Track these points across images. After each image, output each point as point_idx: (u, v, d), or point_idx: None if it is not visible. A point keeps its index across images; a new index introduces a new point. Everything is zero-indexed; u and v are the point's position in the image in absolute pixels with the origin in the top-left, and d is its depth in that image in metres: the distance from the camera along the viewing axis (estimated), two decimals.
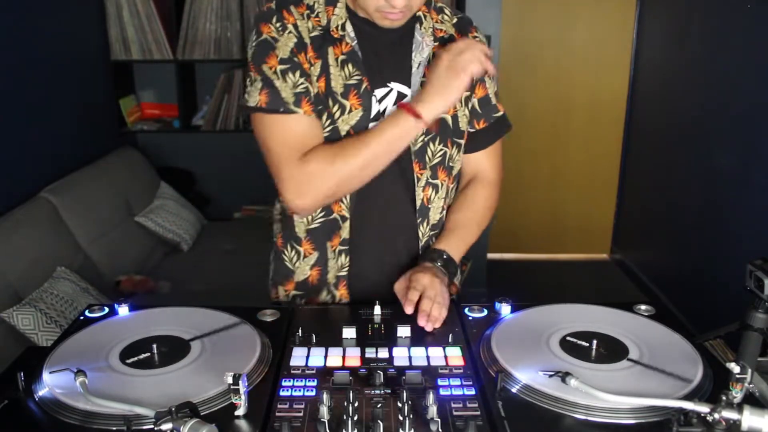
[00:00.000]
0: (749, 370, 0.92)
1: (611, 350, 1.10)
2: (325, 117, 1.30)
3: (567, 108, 4.07)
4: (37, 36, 2.80)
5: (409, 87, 1.33)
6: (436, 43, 1.35)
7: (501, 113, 1.46)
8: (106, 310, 1.26)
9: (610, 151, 4.13)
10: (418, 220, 1.39)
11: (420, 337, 1.16)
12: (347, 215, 1.36)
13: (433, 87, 1.23)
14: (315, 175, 1.24)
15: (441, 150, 1.38)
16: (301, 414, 0.94)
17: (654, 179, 3.73)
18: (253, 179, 4.01)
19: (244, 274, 3.11)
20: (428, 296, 1.24)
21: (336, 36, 1.29)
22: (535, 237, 4.29)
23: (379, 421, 0.90)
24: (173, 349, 1.09)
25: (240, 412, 0.93)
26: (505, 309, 1.25)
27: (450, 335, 1.16)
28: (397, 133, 1.24)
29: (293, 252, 1.43)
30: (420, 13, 1.35)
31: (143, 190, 3.39)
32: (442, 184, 1.40)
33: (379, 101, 1.32)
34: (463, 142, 1.42)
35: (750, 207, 2.71)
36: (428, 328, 1.20)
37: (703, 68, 3.17)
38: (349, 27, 1.30)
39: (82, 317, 1.24)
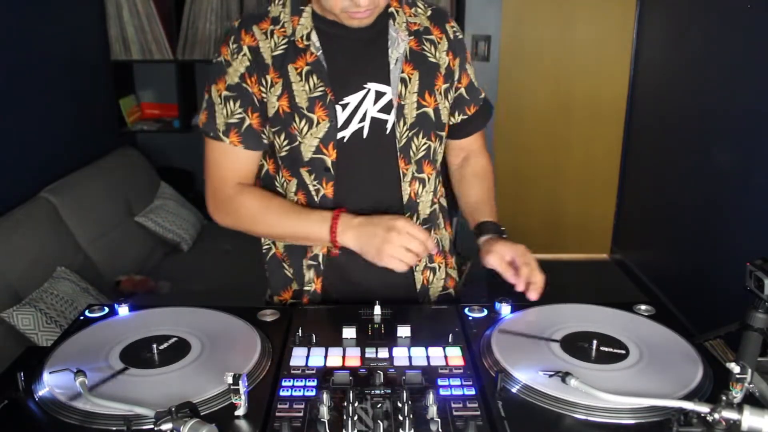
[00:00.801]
0: (749, 370, 0.92)
1: (611, 350, 1.10)
2: (283, 137, 1.33)
3: (567, 108, 4.07)
4: (37, 36, 2.80)
5: (388, 85, 1.33)
6: (411, 37, 1.36)
7: (483, 95, 1.52)
8: (106, 310, 1.26)
9: (610, 151, 4.13)
10: (407, 215, 1.39)
11: (420, 337, 1.16)
12: None
13: (362, 232, 1.26)
14: (233, 210, 1.41)
15: (425, 144, 1.39)
16: (301, 414, 0.94)
17: (654, 179, 3.73)
18: None
19: (244, 274, 3.11)
20: (526, 263, 1.28)
21: (301, 46, 1.30)
22: (535, 237, 4.29)
23: (379, 421, 0.90)
24: (173, 349, 1.09)
25: (240, 412, 0.93)
26: (505, 309, 1.25)
27: (450, 335, 1.16)
28: (313, 236, 1.32)
29: (290, 262, 1.45)
30: (392, 9, 1.35)
31: (143, 190, 3.39)
32: (429, 178, 1.41)
33: (358, 106, 1.32)
34: (444, 133, 1.44)
35: (750, 207, 2.71)
36: (534, 297, 1.24)
37: (703, 68, 3.17)
38: (314, 37, 1.31)
39: (82, 317, 1.24)
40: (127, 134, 3.74)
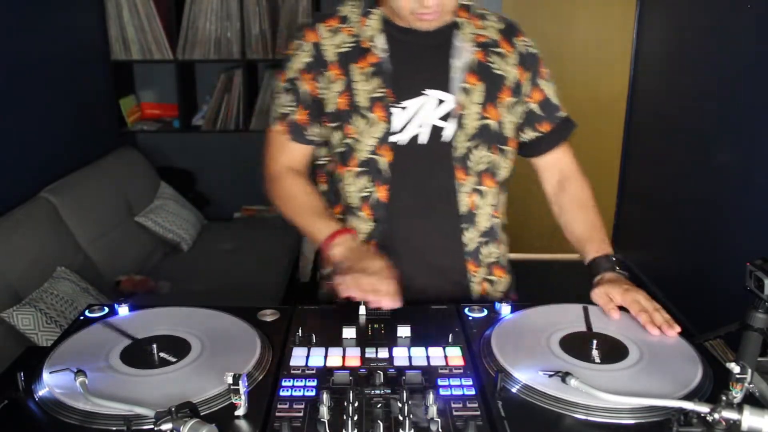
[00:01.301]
0: (749, 370, 0.92)
1: (611, 351, 1.10)
2: (340, 133, 1.36)
3: (567, 108, 4.06)
4: (37, 36, 2.80)
5: (448, 92, 1.34)
6: (478, 49, 1.36)
7: (565, 114, 1.48)
8: (106, 310, 1.26)
9: (610, 151, 4.13)
10: (463, 226, 1.39)
11: (420, 337, 1.16)
12: (360, 237, 1.39)
13: (352, 254, 1.27)
14: (275, 189, 1.44)
15: (486, 156, 1.38)
16: (301, 414, 0.94)
17: (654, 179, 3.73)
18: (253, 179, 4.00)
19: (244, 274, 3.12)
20: (644, 310, 1.20)
21: (366, 46, 1.33)
22: (535, 237, 4.29)
23: (379, 421, 0.90)
24: (173, 349, 1.09)
25: (240, 412, 0.93)
26: (505, 309, 1.25)
27: (450, 335, 1.16)
28: (311, 234, 1.37)
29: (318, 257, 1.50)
30: (459, 20, 1.35)
31: (143, 190, 3.39)
32: (489, 191, 1.40)
33: (417, 111, 1.33)
34: (508, 148, 1.42)
35: (750, 207, 2.71)
36: (671, 333, 1.16)
37: (703, 68, 3.17)
38: (380, 39, 1.33)
39: (82, 317, 1.24)
40: (127, 134, 3.74)
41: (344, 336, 1.16)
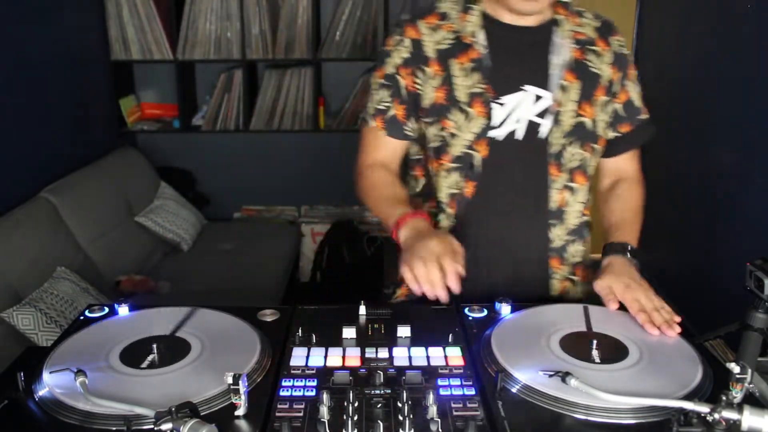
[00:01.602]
0: (749, 370, 0.92)
1: (611, 351, 1.10)
2: (437, 128, 1.38)
3: None
4: (37, 36, 2.80)
5: (546, 89, 1.35)
6: (576, 46, 1.37)
7: (646, 117, 1.47)
8: (106, 310, 1.26)
9: None
10: (551, 222, 1.39)
11: (420, 337, 1.16)
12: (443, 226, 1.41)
13: (417, 238, 1.24)
14: (360, 183, 1.47)
15: (579, 154, 1.38)
16: (301, 414, 0.94)
17: (654, 179, 3.71)
18: (253, 179, 4.03)
19: (244, 274, 3.12)
20: (642, 309, 1.20)
21: (467, 42, 1.35)
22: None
23: (379, 421, 0.90)
24: (173, 349, 1.09)
25: (240, 412, 0.93)
26: (505, 309, 1.25)
27: (450, 335, 1.16)
28: (385, 220, 1.37)
29: None
30: (559, 17, 1.37)
31: (143, 190, 3.39)
32: (580, 189, 1.41)
33: (515, 107, 1.34)
34: (599, 147, 1.42)
35: (750, 207, 2.71)
36: (671, 334, 1.16)
37: (703, 68, 3.17)
38: (481, 35, 1.35)
39: (82, 317, 1.24)
40: (127, 134, 3.74)
41: (344, 336, 1.16)
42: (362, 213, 3.90)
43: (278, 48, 3.63)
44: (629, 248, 1.36)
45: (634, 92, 1.45)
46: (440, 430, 0.89)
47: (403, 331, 1.17)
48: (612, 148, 1.47)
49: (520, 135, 1.36)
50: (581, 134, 1.38)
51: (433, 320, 1.23)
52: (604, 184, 1.52)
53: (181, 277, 3.03)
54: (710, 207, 3.06)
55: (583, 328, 1.17)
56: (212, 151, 3.96)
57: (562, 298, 1.46)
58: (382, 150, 1.46)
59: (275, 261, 3.31)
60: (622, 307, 1.24)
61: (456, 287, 1.18)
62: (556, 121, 1.36)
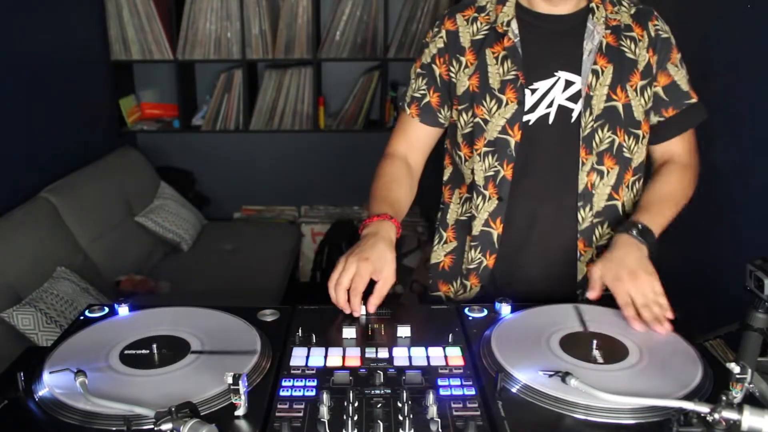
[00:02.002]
0: (749, 370, 0.91)
1: (611, 351, 1.10)
2: (470, 114, 1.43)
3: None
4: (37, 36, 2.80)
5: (578, 75, 1.38)
6: (609, 32, 1.39)
7: (694, 100, 1.48)
8: (106, 310, 1.26)
9: None
10: (579, 204, 1.41)
11: (420, 337, 1.16)
12: (478, 214, 1.45)
13: (365, 238, 1.30)
14: (376, 172, 1.51)
15: (609, 137, 1.40)
16: (301, 414, 0.94)
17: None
18: (253, 179, 4.04)
19: (244, 274, 3.12)
20: (629, 303, 1.19)
21: (500, 31, 1.40)
22: None
23: (379, 421, 0.90)
24: (173, 349, 1.09)
25: (240, 412, 0.93)
26: (505, 309, 1.25)
27: (450, 335, 1.16)
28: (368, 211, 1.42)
29: (437, 236, 1.58)
30: (593, 5, 1.40)
31: (143, 190, 3.39)
32: (609, 171, 1.42)
33: (546, 92, 1.38)
34: (641, 132, 1.42)
35: (750, 207, 2.71)
36: (660, 330, 1.16)
37: (703, 68, 3.17)
38: (514, 24, 1.40)
39: (82, 317, 1.24)
40: (127, 134, 3.74)
41: (344, 336, 1.16)
42: (362, 213, 3.90)
43: (278, 48, 3.63)
44: (639, 226, 1.32)
45: (678, 75, 1.45)
46: (440, 430, 0.89)
47: (403, 331, 1.17)
48: (659, 133, 1.47)
49: (552, 119, 1.39)
50: (612, 118, 1.39)
51: (433, 320, 1.23)
52: (655, 170, 1.51)
53: (181, 277, 3.03)
54: (710, 207, 3.06)
55: (583, 328, 1.17)
56: (212, 151, 3.96)
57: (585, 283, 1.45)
58: (414, 135, 1.53)
59: (275, 261, 3.31)
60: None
61: (345, 306, 1.23)
62: (588, 105, 1.38)
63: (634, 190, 1.48)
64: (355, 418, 0.91)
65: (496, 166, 1.42)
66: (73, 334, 1.16)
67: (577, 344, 1.11)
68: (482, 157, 1.43)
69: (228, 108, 3.72)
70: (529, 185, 1.42)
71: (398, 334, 1.16)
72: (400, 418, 0.91)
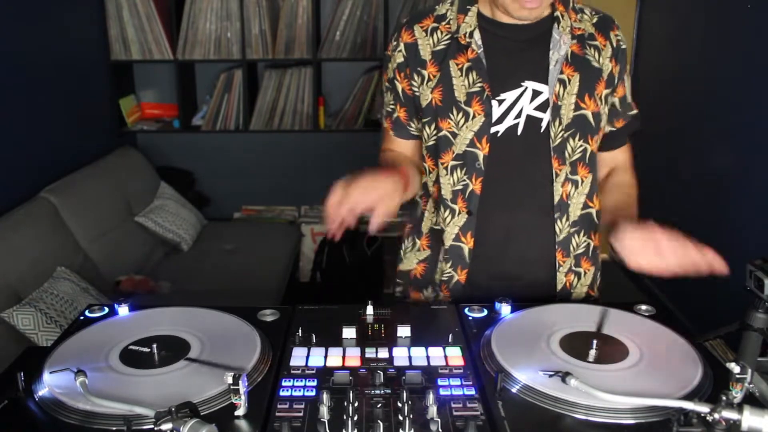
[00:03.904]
0: (749, 370, 0.92)
1: (611, 351, 1.10)
2: (432, 127, 1.41)
3: None
4: (37, 36, 2.80)
5: (546, 84, 1.36)
6: (574, 41, 1.37)
7: (636, 112, 1.51)
8: (106, 310, 1.26)
9: None
10: (556, 215, 1.40)
11: (420, 337, 1.16)
12: (447, 228, 1.43)
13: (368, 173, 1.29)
14: None
15: (581, 146, 1.39)
16: (301, 414, 0.94)
17: (654, 179, 3.73)
18: (253, 179, 4.04)
19: (244, 274, 3.12)
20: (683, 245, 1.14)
21: (463, 42, 1.36)
22: None
23: (379, 421, 0.90)
24: (173, 349, 1.09)
25: (240, 412, 0.93)
26: (505, 309, 1.25)
27: (450, 335, 1.16)
28: None
29: (410, 242, 1.56)
30: (558, 13, 1.38)
31: (143, 190, 3.39)
32: (582, 180, 1.42)
33: (514, 103, 1.36)
34: (598, 139, 1.44)
35: (750, 207, 2.71)
36: (724, 269, 1.10)
37: (704, 69, 3.17)
38: (477, 35, 1.37)
39: (82, 317, 1.24)
40: (127, 134, 3.74)
41: (344, 336, 1.16)
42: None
43: (278, 48, 3.63)
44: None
45: (628, 88, 1.48)
46: (440, 430, 0.89)
47: (403, 331, 1.17)
48: (608, 142, 1.49)
49: (520, 130, 1.37)
50: (582, 126, 1.38)
51: (433, 320, 1.23)
52: (601, 175, 1.54)
53: (181, 277, 3.03)
54: (711, 207, 3.07)
55: (583, 328, 1.17)
56: (212, 151, 3.96)
57: (568, 293, 1.46)
58: (394, 147, 1.53)
59: (275, 261, 3.31)
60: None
61: (340, 219, 1.24)
62: (556, 115, 1.36)
63: (593, 192, 1.48)
64: (355, 418, 0.91)
65: (464, 180, 1.40)
66: (73, 334, 1.16)
67: (577, 344, 1.11)
68: (449, 171, 1.41)
69: (228, 108, 3.72)
70: (500, 198, 1.40)
71: (398, 334, 1.16)
72: (400, 418, 0.91)
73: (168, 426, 0.86)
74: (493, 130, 1.37)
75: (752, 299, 1.03)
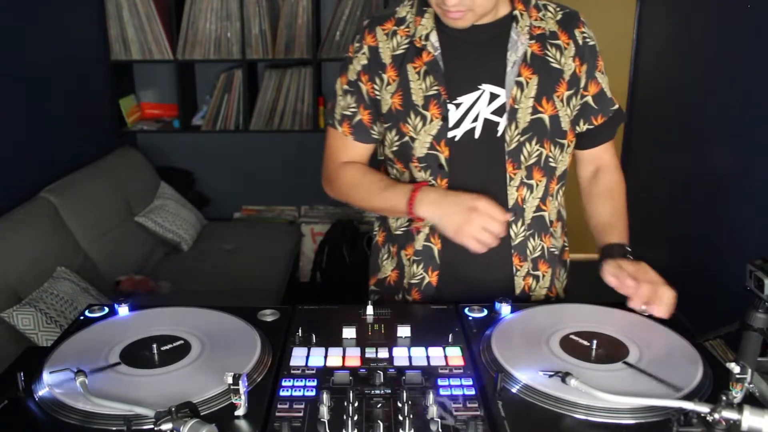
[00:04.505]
0: (749, 370, 0.92)
1: (611, 351, 1.10)
2: (394, 132, 1.39)
3: None
4: (37, 36, 2.80)
5: (503, 87, 1.34)
6: (533, 41, 1.35)
7: (617, 107, 1.46)
8: (106, 310, 1.26)
9: None
10: (511, 219, 1.39)
11: (420, 337, 1.16)
12: (423, 229, 1.42)
13: (441, 206, 1.29)
14: (335, 186, 1.49)
15: (537, 150, 1.37)
16: (301, 414, 0.94)
17: (654, 179, 3.73)
18: (253, 179, 4.04)
19: (243, 274, 3.12)
20: (649, 281, 1.20)
21: (419, 45, 1.35)
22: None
23: (379, 421, 0.90)
24: (173, 349, 1.09)
25: (240, 412, 0.93)
26: (505, 309, 1.25)
27: (450, 335, 1.16)
28: (395, 208, 1.38)
29: (386, 250, 1.53)
30: (516, 12, 1.35)
31: (143, 190, 3.39)
32: (537, 185, 1.40)
33: (471, 106, 1.34)
34: (566, 141, 1.41)
35: (750, 207, 2.71)
36: (663, 314, 1.16)
37: (704, 68, 3.17)
38: (433, 37, 1.35)
39: (82, 317, 1.24)
40: (127, 134, 3.74)
41: (344, 336, 1.16)
42: (362, 213, 3.90)
43: (278, 48, 3.63)
44: (629, 249, 1.35)
45: (604, 83, 1.44)
46: (440, 430, 0.89)
47: (403, 331, 1.17)
48: (588, 140, 1.46)
49: (478, 134, 1.36)
50: (539, 130, 1.36)
51: (433, 320, 1.24)
52: (586, 173, 1.51)
53: (181, 277, 3.03)
54: (710, 207, 3.07)
55: (583, 328, 1.17)
56: (212, 151, 3.96)
57: (527, 296, 1.46)
58: (351, 153, 1.47)
59: (275, 261, 3.31)
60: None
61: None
62: (513, 119, 1.34)
63: (558, 198, 1.48)
64: (355, 418, 0.91)
65: (432, 181, 1.39)
66: (73, 334, 1.16)
67: (577, 344, 1.11)
68: (417, 173, 1.40)
69: (228, 108, 3.72)
70: None
71: (398, 334, 1.17)
72: (400, 418, 0.91)
73: (168, 426, 0.86)
74: (450, 134, 1.35)
75: (752, 299, 1.03)
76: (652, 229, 3.76)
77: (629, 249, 1.35)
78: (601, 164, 1.49)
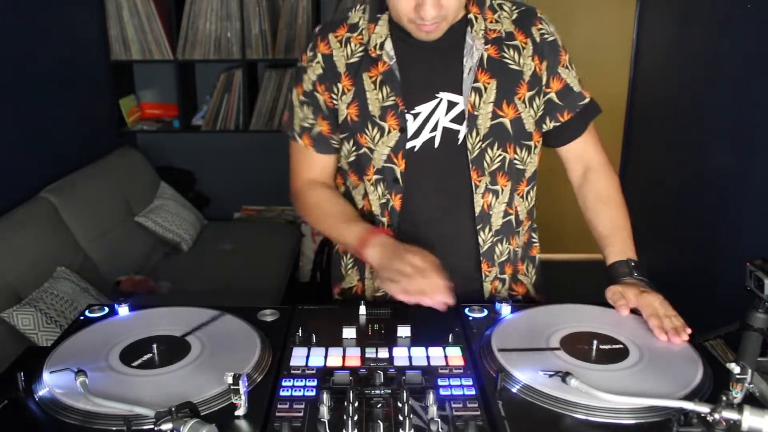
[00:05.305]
0: (749, 370, 0.92)
1: (611, 351, 1.10)
2: (351, 143, 1.36)
3: None
4: (37, 36, 2.80)
5: (461, 94, 1.31)
6: (489, 45, 1.31)
7: (587, 100, 1.42)
8: (106, 310, 1.26)
9: (610, 151, 4.04)
10: (478, 227, 1.37)
11: (420, 337, 1.16)
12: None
13: (389, 258, 1.24)
14: (299, 206, 1.48)
15: (500, 155, 1.34)
16: (301, 414, 0.94)
17: (654, 179, 3.73)
18: (253, 179, 4.03)
19: (243, 274, 3.12)
20: (655, 314, 1.18)
21: (374, 55, 1.31)
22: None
23: (379, 421, 0.90)
24: (173, 349, 1.09)
25: (240, 412, 0.93)
26: (505, 309, 1.25)
27: (450, 335, 1.16)
28: (345, 243, 1.38)
29: (350, 258, 1.49)
30: (471, 16, 1.31)
31: (143, 190, 3.39)
32: (502, 190, 1.37)
33: (429, 116, 1.31)
34: (532, 143, 1.38)
35: (750, 207, 2.71)
36: (677, 341, 1.13)
37: (704, 68, 3.17)
38: (388, 45, 1.31)
39: (82, 317, 1.24)
40: (127, 134, 3.74)
41: (344, 336, 1.16)
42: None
43: (278, 48, 3.63)
44: (635, 264, 1.32)
45: (570, 77, 1.39)
46: (440, 430, 0.89)
47: (403, 331, 1.17)
48: (557, 137, 1.42)
49: (437, 143, 1.33)
50: (501, 135, 1.33)
51: (433, 320, 1.23)
52: (576, 176, 1.47)
53: (181, 277, 3.03)
54: (710, 207, 3.06)
55: (583, 328, 1.17)
56: (212, 151, 3.96)
57: (493, 299, 1.45)
58: (316, 166, 1.45)
59: (275, 261, 3.31)
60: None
61: (451, 299, 1.19)
62: (473, 126, 1.31)
63: (529, 199, 1.45)
64: (355, 418, 0.91)
65: (386, 195, 1.37)
66: (73, 334, 1.16)
67: (577, 344, 1.11)
68: (374, 185, 1.37)
69: (228, 108, 3.72)
70: (421, 212, 1.36)
71: (398, 334, 1.17)
72: (400, 418, 0.91)
73: (168, 426, 0.86)
74: (409, 145, 1.32)
75: (752, 299, 1.03)
76: (652, 229, 3.76)
77: (633, 263, 1.33)
78: (589, 164, 1.45)
